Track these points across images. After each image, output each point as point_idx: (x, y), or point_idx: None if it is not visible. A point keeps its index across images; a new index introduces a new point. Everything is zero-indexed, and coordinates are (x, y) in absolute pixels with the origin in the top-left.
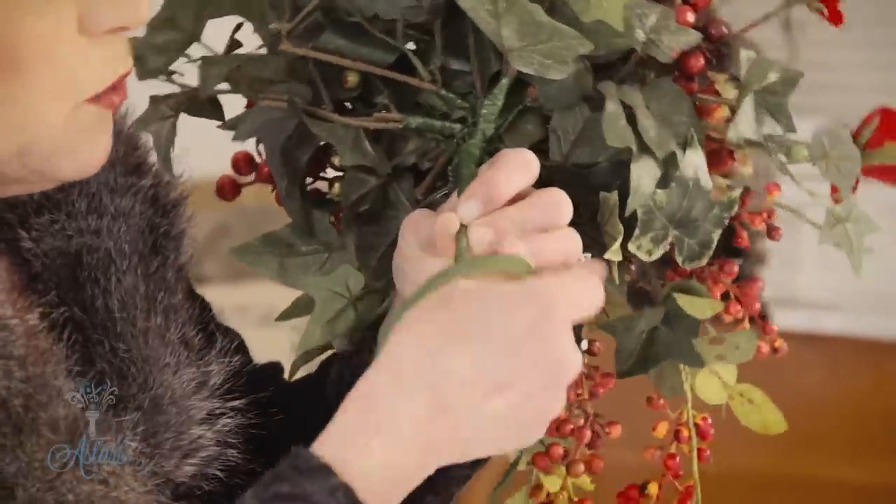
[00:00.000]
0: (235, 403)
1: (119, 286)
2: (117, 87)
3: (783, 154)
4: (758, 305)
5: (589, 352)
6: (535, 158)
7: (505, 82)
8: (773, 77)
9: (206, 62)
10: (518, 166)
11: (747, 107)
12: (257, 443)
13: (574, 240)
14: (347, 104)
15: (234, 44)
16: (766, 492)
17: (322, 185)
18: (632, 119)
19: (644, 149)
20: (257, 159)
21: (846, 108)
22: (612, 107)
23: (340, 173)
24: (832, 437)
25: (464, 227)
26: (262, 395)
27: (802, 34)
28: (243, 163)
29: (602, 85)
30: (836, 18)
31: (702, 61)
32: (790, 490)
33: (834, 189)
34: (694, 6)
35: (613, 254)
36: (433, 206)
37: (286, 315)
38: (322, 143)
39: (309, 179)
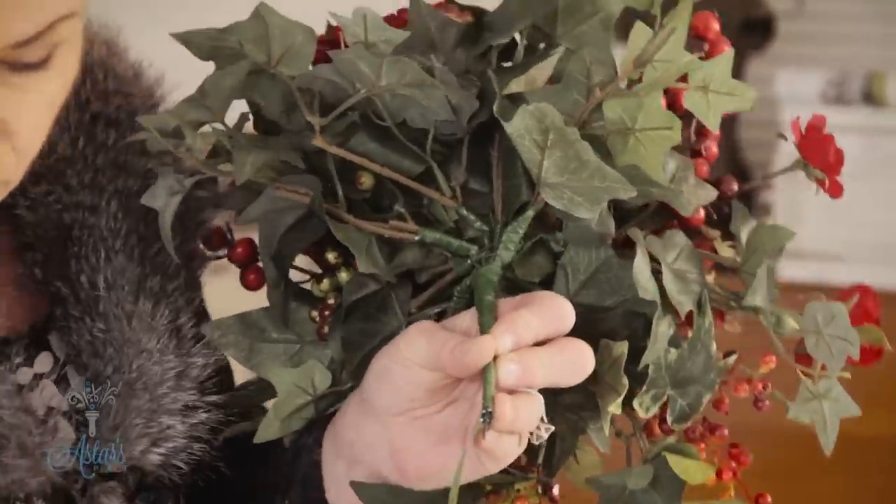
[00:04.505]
0: (212, 398)
1: (108, 265)
2: None
3: (773, 323)
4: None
5: (551, 500)
6: (572, 313)
7: (531, 213)
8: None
9: (240, 148)
10: (557, 317)
11: (762, 275)
12: (227, 441)
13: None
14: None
15: (242, 118)
16: (772, 443)
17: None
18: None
19: (665, 304)
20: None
21: (850, 58)
22: (641, 258)
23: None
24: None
25: (493, 358)
26: (241, 392)
27: None
28: (216, 238)
29: (632, 232)
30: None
31: (703, 216)
32: (796, 443)
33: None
34: (707, 158)
35: (615, 407)
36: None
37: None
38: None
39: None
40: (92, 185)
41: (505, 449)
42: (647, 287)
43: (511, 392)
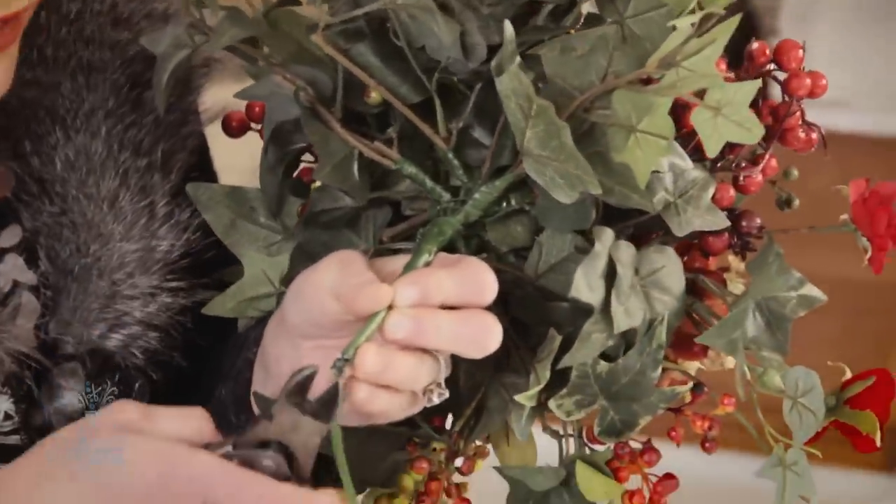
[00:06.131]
0: (175, 284)
1: (68, 144)
2: None
3: (759, 375)
4: None
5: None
6: (494, 287)
7: (509, 177)
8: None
9: (230, 17)
10: (476, 287)
11: (732, 318)
12: (183, 329)
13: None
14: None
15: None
16: None
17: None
18: (611, 275)
19: (606, 313)
20: None
21: None
22: (597, 257)
23: None
24: (842, 234)
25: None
26: (203, 280)
27: None
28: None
29: (597, 230)
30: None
31: (724, 243)
32: None
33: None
34: (743, 188)
35: (528, 399)
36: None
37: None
38: None
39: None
40: (53, 60)
41: (382, 404)
42: (580, 287)
43: (405, 348)
